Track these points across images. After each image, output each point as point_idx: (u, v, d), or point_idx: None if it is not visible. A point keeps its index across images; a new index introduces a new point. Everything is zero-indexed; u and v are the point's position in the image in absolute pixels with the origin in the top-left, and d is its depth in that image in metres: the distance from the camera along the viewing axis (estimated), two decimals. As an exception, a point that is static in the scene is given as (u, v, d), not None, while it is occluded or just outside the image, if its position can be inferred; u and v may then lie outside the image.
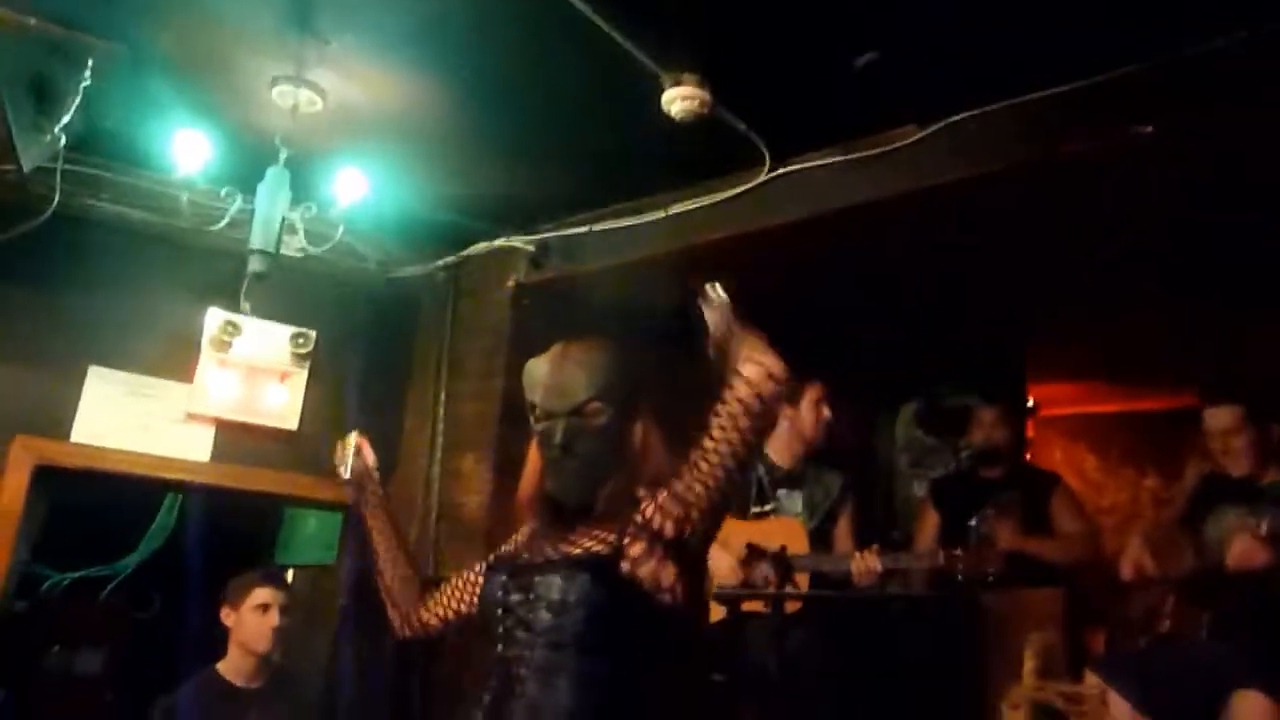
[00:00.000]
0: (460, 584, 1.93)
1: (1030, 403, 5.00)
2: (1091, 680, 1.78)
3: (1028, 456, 4.61)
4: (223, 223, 2.71)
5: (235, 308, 3.39)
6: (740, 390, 1.58)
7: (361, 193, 2.76)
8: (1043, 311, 4.07)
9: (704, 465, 1.60)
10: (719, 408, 1.60)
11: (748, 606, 2.93)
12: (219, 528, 4.73)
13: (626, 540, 1.62)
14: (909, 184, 2.68)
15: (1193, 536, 2.88)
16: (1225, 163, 2.55)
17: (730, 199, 3.06)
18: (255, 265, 2.56)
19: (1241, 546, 2.59)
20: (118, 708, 4.27)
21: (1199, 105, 2.27)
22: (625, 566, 1.60)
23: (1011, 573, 2.73)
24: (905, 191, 2.69)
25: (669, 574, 1.61)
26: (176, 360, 3.37)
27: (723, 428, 1.59)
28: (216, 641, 3.79)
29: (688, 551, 1.63)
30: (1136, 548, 2.96)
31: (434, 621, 1.95)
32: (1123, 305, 3.81)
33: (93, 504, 4.14)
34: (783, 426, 3.22)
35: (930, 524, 3.62)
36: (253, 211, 2.61)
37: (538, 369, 1.76)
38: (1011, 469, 3.66)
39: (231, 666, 3.01)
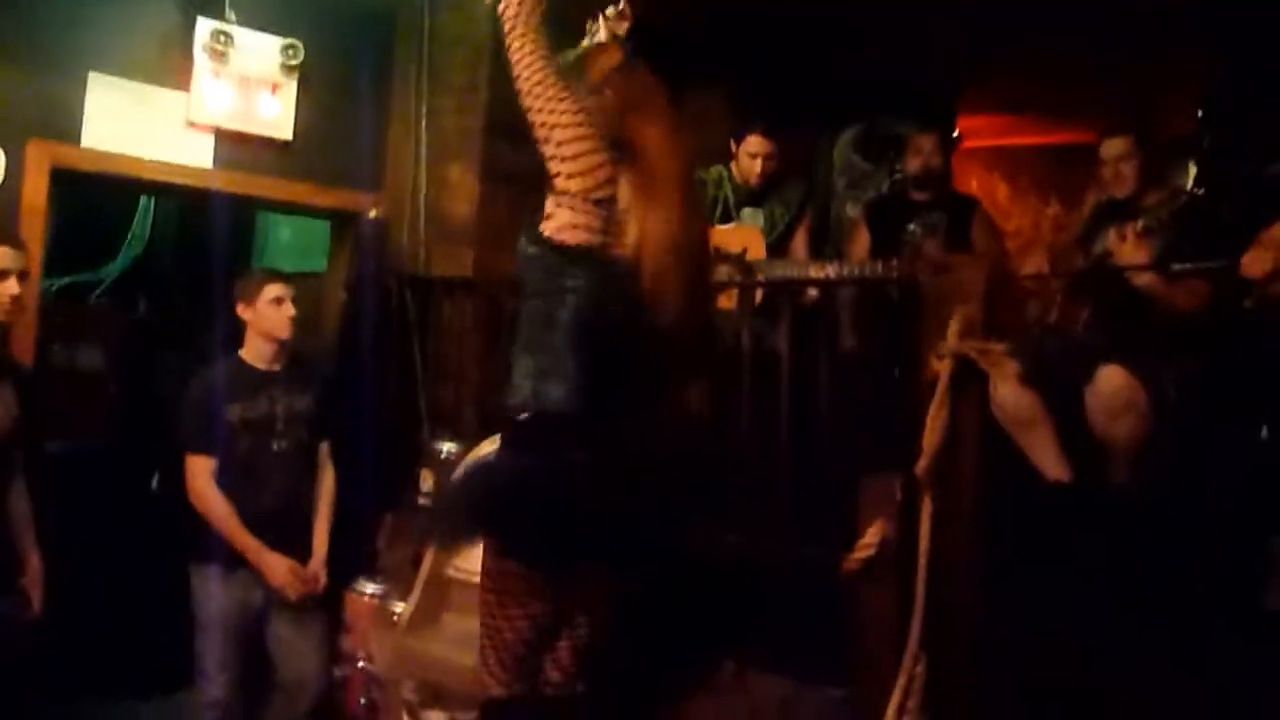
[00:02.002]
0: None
1: (956, 133, 5.38)
2: (998, 342, 2.30)
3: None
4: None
5: (222, 17, 3.47)
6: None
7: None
8: (974, 47, 4.38)
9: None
10: None
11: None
12: (194, 236, 4.94)
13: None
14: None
15: (1085, 254, 3.41)
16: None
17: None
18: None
19: (1120, 240, 3.00)
20: (121, 398, 4.67)
21: None
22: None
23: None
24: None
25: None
26: (172, 68, 3.45)
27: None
28: (199, 337, 4.13)
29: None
30: (1039, 255, 3.52)
31: None
32: (1048, 43, 4.15)
33: (71, 213, 4.29)
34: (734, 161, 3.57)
35: (862, 241, 3.99)
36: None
37: None
38: (939, 193, 3.99)
39: (253, 353, 3.28)
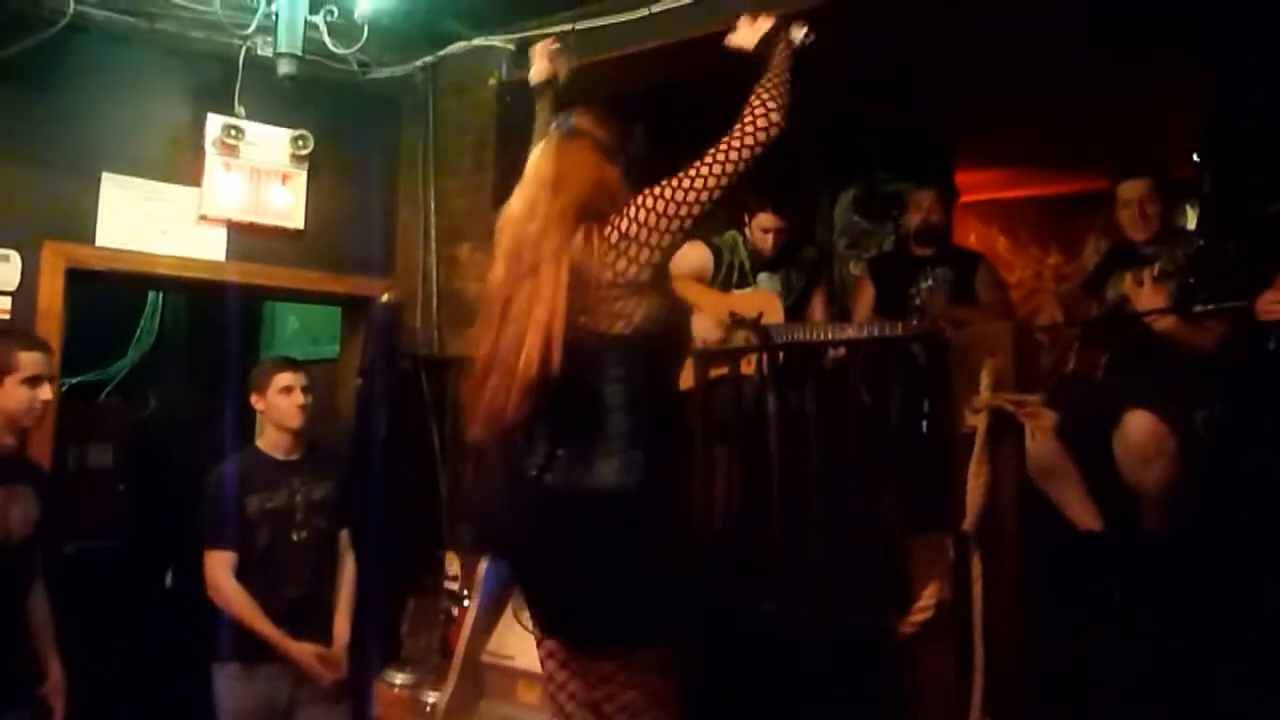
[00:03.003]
0: None
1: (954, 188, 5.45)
2: (1033, 393, 2.29)
3: (950, 238, 5.10)
4: (251, 26, 2.81)
5: (230, 111, 3.53)
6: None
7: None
8: (968, 103, 4.46)
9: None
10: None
11: (716, 372, 3.37)
12: (202, 329, 4.96)
13: None
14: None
15: (1096, 300, 3.42)
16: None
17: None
18: (285, 68, 2.71)
19: (1137, 285, 3.01)
20: (130, 495, 4.62)
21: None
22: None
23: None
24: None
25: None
26: (184, 164, 3.50)
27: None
28: (211, 432, 4.12)
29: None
30: (1051, 306, 3.53)
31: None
32: (1040, 96, 4.23)
33: (80, 311, 4.30)
34: (750, 229, 3.62)
35: (867, 298, 3.98)
36: (276, 15, 2.72)
37: None
38: (942, 248, 4.02)
39: (269, 443, 3.28)
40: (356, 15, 2.88)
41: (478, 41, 3.80)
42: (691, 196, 1.84)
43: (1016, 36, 3.49)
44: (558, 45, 2.45)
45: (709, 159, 1.86)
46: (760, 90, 1.94)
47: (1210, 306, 2.84)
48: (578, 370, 1.83)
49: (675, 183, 1.86)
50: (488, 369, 1.88)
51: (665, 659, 1.88)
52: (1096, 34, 3.48)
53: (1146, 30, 3.44)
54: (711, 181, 1.84)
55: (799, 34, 2.09)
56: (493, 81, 3.82)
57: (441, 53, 3.88)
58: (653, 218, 1.84)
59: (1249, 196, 3.61)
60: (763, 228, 3.60)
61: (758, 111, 1.88)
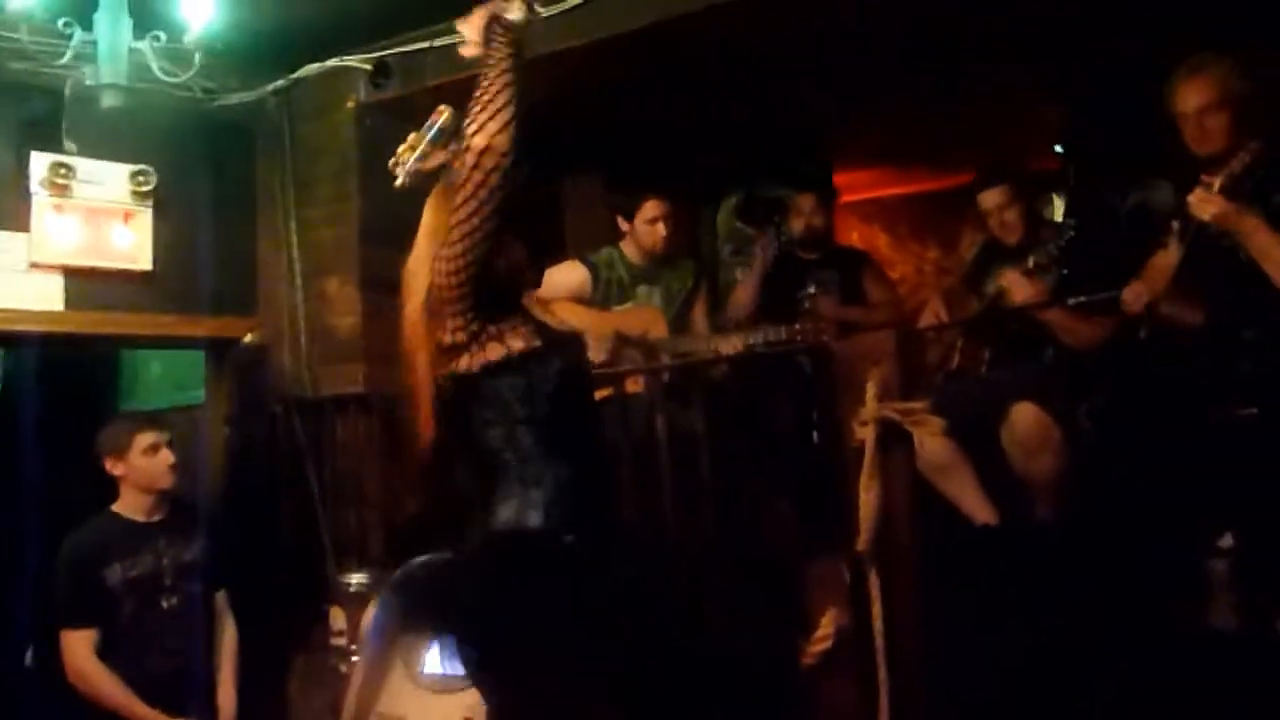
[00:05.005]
0: None
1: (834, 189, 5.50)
2: (918, 400, 2.27)
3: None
4: (66, 56, 2.57)
5: (57, 149, 3.25)
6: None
7: (208, 17, 2.68)
8: (842, 104, 4.49)
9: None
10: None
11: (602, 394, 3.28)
12: (50, 384, 4.58)
13: None
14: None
15: (976, 294, 3.47)
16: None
17: (568, 11, 3.16)
18: (110, 100, 2.49)
19: (1013, 280, 3.07)
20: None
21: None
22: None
23: (840, 338, 3.26)
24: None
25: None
26: (8, 209, 3.19)
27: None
28: (70, 495, 3.81)
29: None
30: (934, 304, 3.56)
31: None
32: (911, 94, 4.29)
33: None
34: (628, 237, 3.53)
35: (743, 291, 3.93)
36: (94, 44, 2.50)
37: None
38: (826, 250, 4.07)
39: (129, 505, 3.09)
40: (188, 40, 2.66)
41: (332, 63, 3.60)
42: (451, 267, 1.78)
43: (886, 37, 3.51)
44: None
45: (453, 232, 1.78)
46: (469, 118, 1.75)
47: (1083, 299, 2.89)
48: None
49: (439, 262, 1.81)
50: None
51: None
52: (959, 34, 3.52)
53: (1009, 28, 3.50)
54: (460, 249, 1.77)
55: (516, 13, 1.79)
56: (351, 104, 3.64)
57: (294, 76, 3.67)
58: (441, 293, 1.81)
59: (1108, 189, 3.71)
60: (649, 218, 3.50)
61: (469, 158, 1.74)
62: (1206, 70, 2.57)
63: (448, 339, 1.81)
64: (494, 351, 1.81)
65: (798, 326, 3.23)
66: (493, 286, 1.82)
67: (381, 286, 3.49)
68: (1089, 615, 2.57)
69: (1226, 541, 2.51)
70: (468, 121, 1.75)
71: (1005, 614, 2.61)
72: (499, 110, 1.72)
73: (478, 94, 1.76)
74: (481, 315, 1.82)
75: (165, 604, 3.02)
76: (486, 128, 1.72)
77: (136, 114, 3.08)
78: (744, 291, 3.90)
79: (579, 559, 1.79)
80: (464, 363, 1.81)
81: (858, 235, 6.03)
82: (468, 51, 1.87)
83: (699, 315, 3.58)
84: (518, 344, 1.82)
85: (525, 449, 1.79)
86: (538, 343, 1.83)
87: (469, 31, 1.85)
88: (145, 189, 3.40)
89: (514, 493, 1.79)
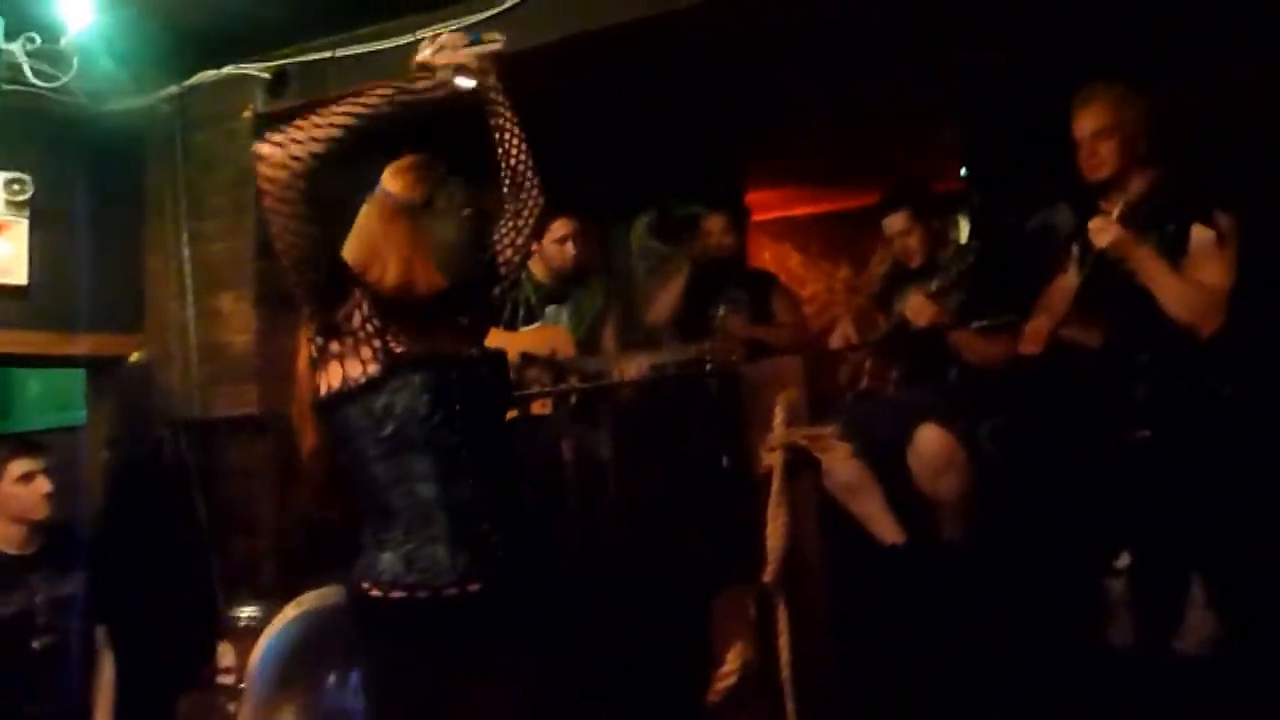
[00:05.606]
0: None
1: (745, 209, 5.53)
2: (827, 425, 2.25)
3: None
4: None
5: (-79, 157, 3.04)
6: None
7: (87, 19, 2.53)
8: (755, 123, 4.52)
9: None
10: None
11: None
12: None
13: None
14: (649, 9, 2.87)
15: (885, 313, 3.50)
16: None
17: (478, 24, 3.09)
18: (-24, 105, 2.31)
19: (915, 304, 3.09)
20: None
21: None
22: None
23: (749, 357, 3.25)
24: (649, 16, 2.88)
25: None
26: None
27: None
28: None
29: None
30: (845, 324, 3.58)
31: None
32: (821, 115, 4.34)
33: None
34: (536, 256, 3.46)
35: (664, 299, 3.90)
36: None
37: None
38: (737, 270, 4.07)
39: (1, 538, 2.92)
40: (64, 42, 2.50)
41: (228, 70, 3.45)
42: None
43: (798, 56, 3.53)
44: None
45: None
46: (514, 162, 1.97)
47: (984, 322, 2.93)
48: None
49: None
50: None
51: None
52: (867, 53, 3.56)
53: (912, 49, 3.55)
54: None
55: (497, 45, 1.84)
56: (248, 113, 3.49)
57: (187, 83, 3.50)
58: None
59: (1011, 211, 3.79)
60: (557, 237, 3.45)
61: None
62: (1098, 97, 2.63)
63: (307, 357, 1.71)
64: (334, 376, 1.66)
65: (707, 345, 3.20)
66: (327, 305, 1.66)
67: (277, 303, 3.36)
68: (994, 633, 2.60)
69: (1123, 561, 2.56)
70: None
71: (911, 633, 2.62)
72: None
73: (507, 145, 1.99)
74: (322, 334, 1.67)
75: (37, 644, 2.87)
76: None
77: (9, 119, 2.89)
78: (664, 301, 3.87)
79: (442, 610, 1.61)
80: (321, 385, 1.67)
81: (769, 254, 6.08)
82: (464, 82, 1.84)
83: (609, 334, 3.53)
84: (355, 370, 1.64)
85: (380, 486, 1.64)
86: (375, 370, 1.63)
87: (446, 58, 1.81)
88: (20, 198, 3.22)
89: (368, 538, 1.66)
